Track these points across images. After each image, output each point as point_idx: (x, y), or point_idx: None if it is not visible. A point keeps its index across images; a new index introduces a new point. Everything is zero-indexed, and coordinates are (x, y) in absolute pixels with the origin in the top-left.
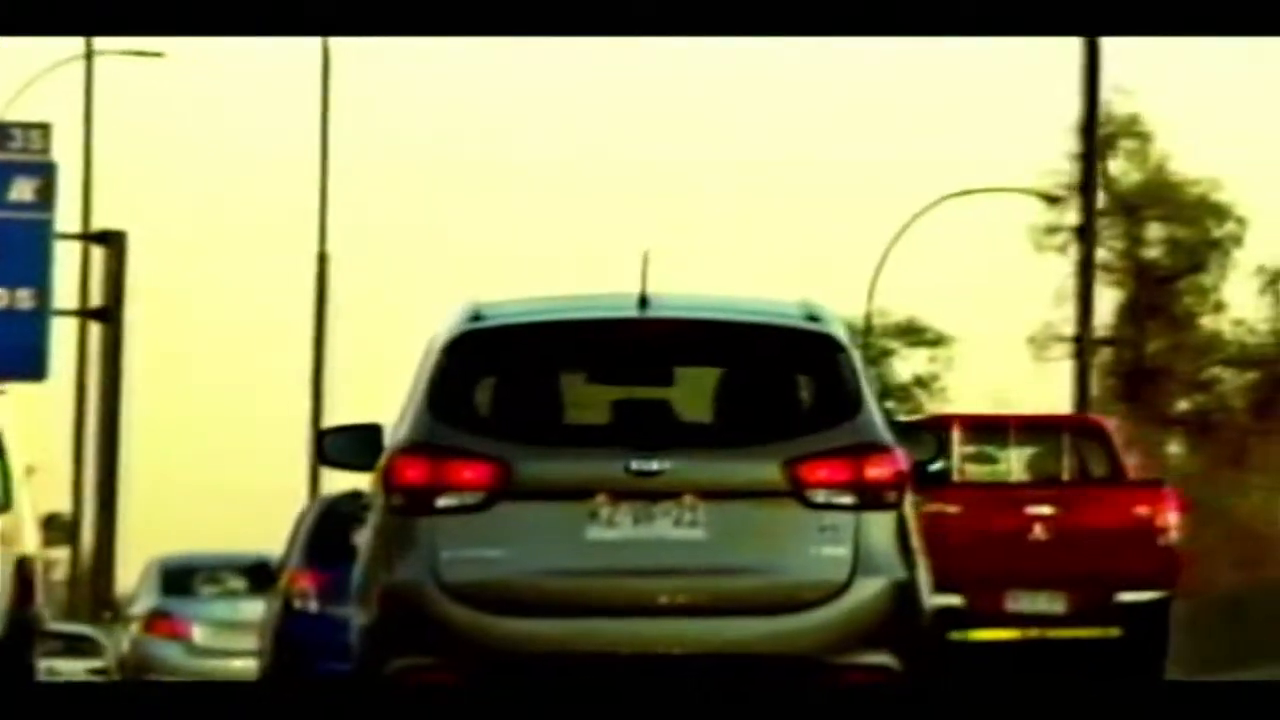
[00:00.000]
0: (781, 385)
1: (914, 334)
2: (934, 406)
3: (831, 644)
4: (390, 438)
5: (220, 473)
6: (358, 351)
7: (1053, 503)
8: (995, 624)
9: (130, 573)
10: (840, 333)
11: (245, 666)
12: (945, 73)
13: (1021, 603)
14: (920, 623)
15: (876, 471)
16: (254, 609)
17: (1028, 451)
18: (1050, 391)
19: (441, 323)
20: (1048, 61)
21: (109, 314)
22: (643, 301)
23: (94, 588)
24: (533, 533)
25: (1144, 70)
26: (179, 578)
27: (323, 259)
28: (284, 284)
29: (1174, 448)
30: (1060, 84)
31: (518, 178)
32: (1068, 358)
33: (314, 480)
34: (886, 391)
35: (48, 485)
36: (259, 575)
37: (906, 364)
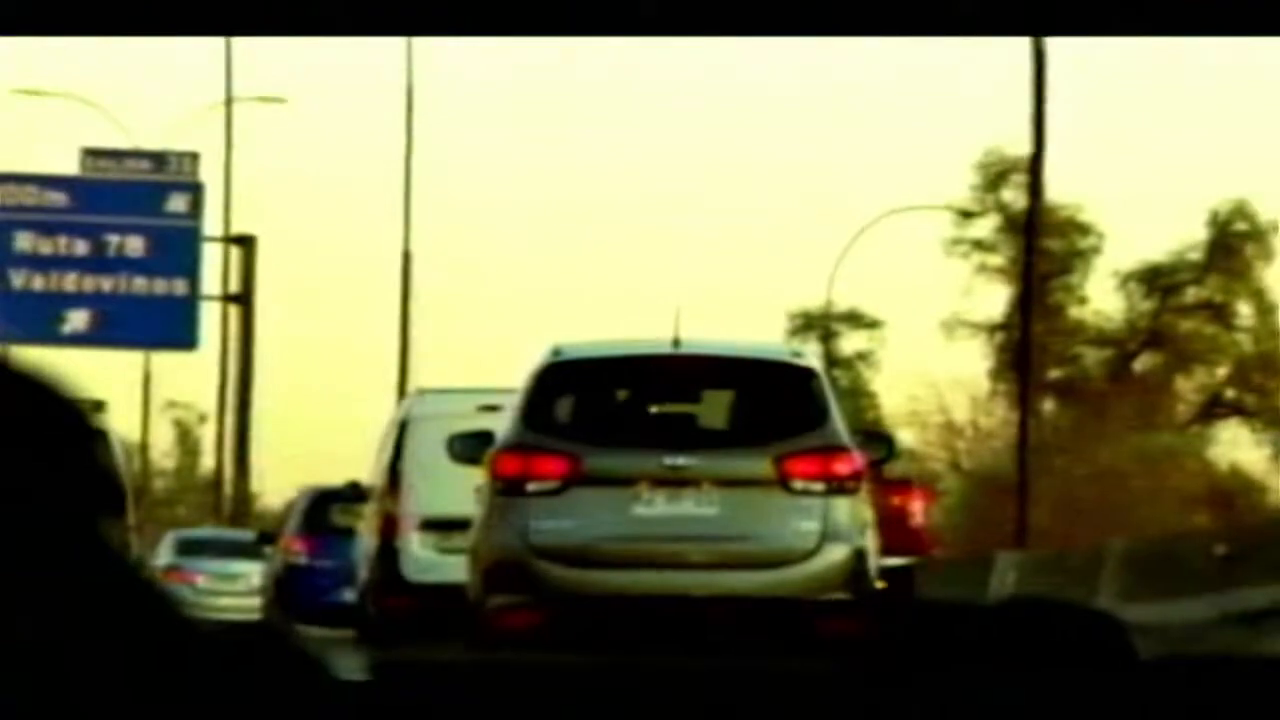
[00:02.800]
0: (773, 403)
1: (855, 319)
2: (869, 375)
3: (807, 589)
4: (498, 440)
5: (327, 423)
6: (437, 322)
7: None
8: None
9: (268, 497)
10: (816, 365)
11: (232, 603)
12: (884, 110)
13: None
14: (869, 576)
15: (840, 467)
16: (239, 568)
17: None
18: (957, 364)
19: (533, 358)
20: (963, 101)
21: (244, 299)
22: (675, 342)
23: (234, 506)
24: (595, 509)
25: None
26: (188, 546)
27: (407, 256)
28: (377, 276)
29: (1048, 405)
30: (973, 118)
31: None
32: (971, 338)
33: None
34: (834, 360)
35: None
36: (250, 546)
37: (849, 342)
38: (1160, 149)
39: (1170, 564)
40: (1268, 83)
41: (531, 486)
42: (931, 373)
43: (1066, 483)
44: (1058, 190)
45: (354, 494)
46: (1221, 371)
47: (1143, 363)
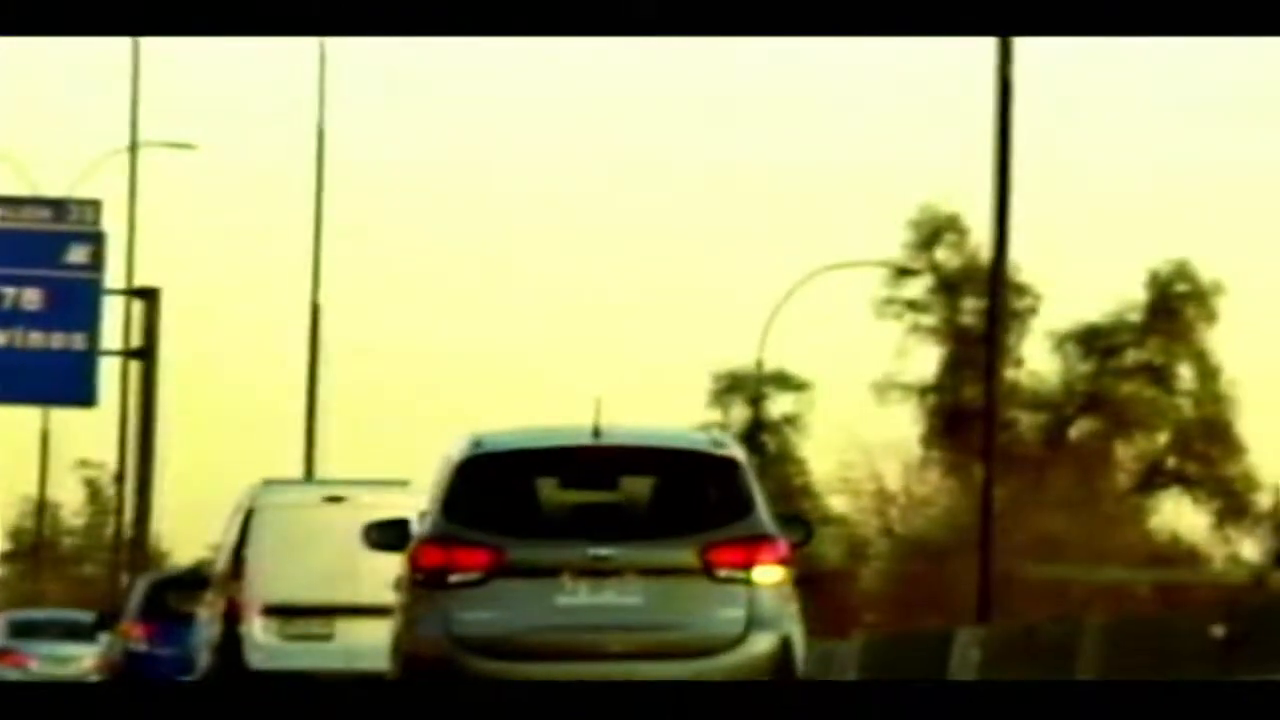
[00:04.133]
0: (696, 492)
1: (783, 381)
2: (798, 440)
3: (734, 678)
4: (417, 531)
5: (236, 481)
6: (346, 377)
7: None
8: None
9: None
10: (739, 454)
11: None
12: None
13: None
14: (796, 664)
15: (764, 556)
16: (74, 650)
17: None
18: (889, 428)
19: (451, 446)
20: (893, 158)
21: (146, 354)
22: (595, 432)
23: (133, 566)
24: (519, 600)
25: (963, 173)
26: (21, 628)
27: (316, 309)
28: (284, 330)
29: (981, 474)
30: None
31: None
32: (903, 401)
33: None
34: (761, 424)
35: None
36: (86, 628)
37: (777, 405)
38: (1099, 208)
39: (1158, 644)
40: (1206, 146)
41: (454, 578)
42: (862, 437)
43: (1003, 553)
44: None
45: (195, 579)
46: (1162, 438)
47: (1080, 428)
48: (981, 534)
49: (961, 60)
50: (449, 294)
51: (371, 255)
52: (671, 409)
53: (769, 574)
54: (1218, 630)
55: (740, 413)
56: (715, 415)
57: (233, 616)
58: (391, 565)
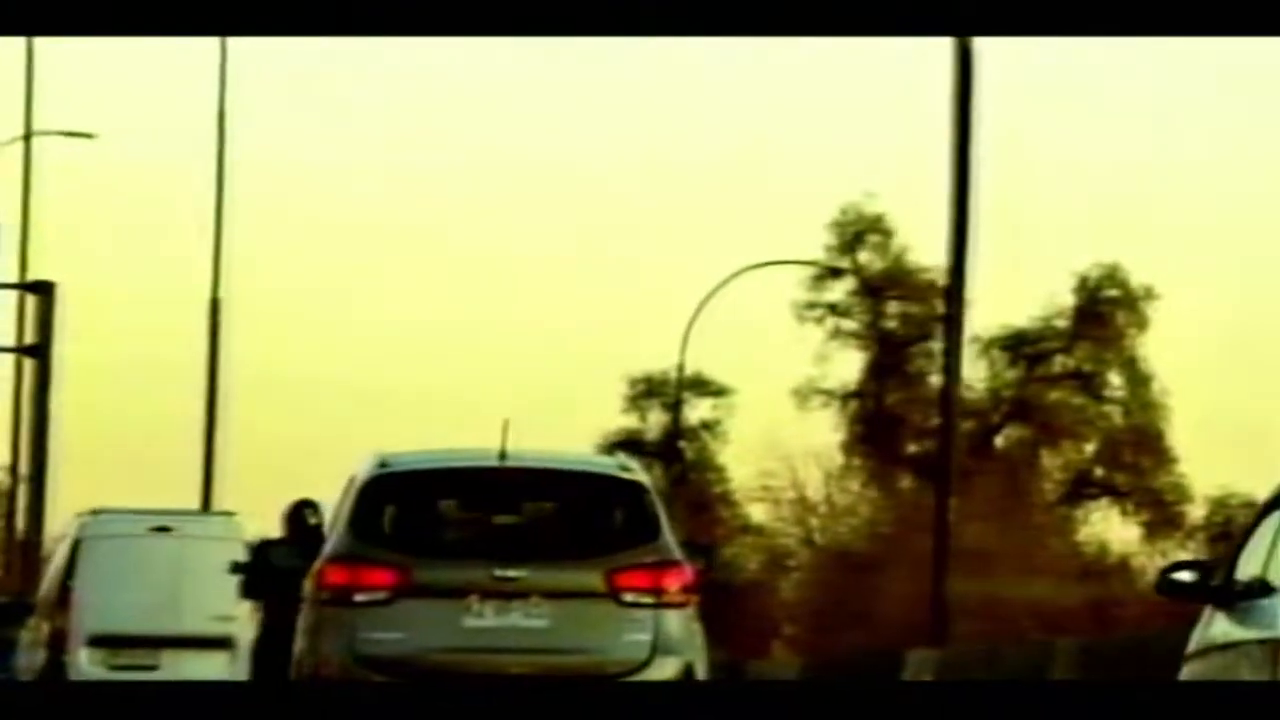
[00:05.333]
0: (602, 516)
1: (701, 386)
2: (716, 447)
3: None
4: (324, 549)
5: (133, 481)
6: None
7: None
8: None
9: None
10: (644, 479)
11: None
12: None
13: None
14: None
15: (670, 581)
16: None
17: None
18: (811, 435)
19: (357, 467)
20: (820, 154)
21: (40, 350)
22: (502, 455)
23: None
24: (424, 620)
25: (887, 173)
26: None
27: (215, 304)
28: (183, 327)
29: (905, 483)
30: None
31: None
32: (824, 407)
33: (207, 479)
34: (679, 430)
35: None
36: None
37: (695, 411)
38: (1026, 210)
39: (1137, 667)
40: (1137, 148)
41: (359, 597)
42: (783, 444)
43: (927, 566)
44: (918, 253)
45: (18, 609)
46: (1090, 447)
47: (1006, 436)
48: (936, 552)
49: (886, 59)
50: (355, 300)
51: (274, 252)
52: (586, 415)
53: (675, 599)
54: None
55: (657, 418)
56: (631, 421)
57: (58, 645)
58: (217, 596)
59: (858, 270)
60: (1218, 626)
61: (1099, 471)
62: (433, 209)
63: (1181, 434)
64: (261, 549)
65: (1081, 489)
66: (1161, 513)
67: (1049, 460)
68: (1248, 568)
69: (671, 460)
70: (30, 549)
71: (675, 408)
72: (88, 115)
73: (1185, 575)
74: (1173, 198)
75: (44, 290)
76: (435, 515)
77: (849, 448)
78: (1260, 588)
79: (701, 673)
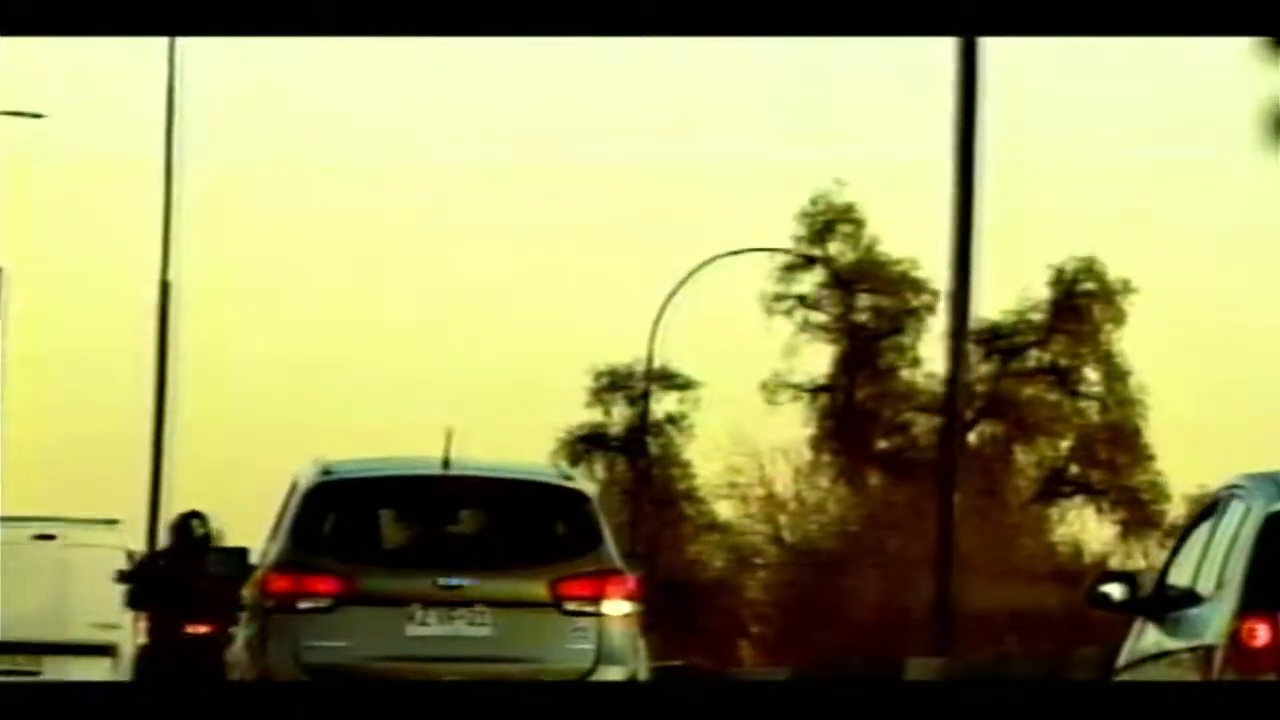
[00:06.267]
0: (545, 525)
1: (666, 379)
2: (682, 442)
3: None
4: (264, 555)
5: (85, 471)
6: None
7: None
8: None
9: None
10: (587, 488)
11: None
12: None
13: None
14: None
15: (613, 589)
16: None
17: None
18: (779, 430)
19: (299, 473)
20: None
21: None
22: (445, 463)
23: None
24: (367, 628)
25: (860, 163)
26: None
27: (165, 286)
28: (134, 309)
29: (873, 479)
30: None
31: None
32: (792, 402)
33: (154, 500)
34: (644, 427)
35: None
36: None
37: (660, 405)
38: (1000, 201)
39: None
40: (1114, 136)
41: (303, 604)
42: (751, 439)
43: (900, 565)
44: (889, 244)
45: None
46: (1065, 443)
47: (979, 432)
48: (939, 553)
49: (857, 50)
50: (312, 292)
51: (226, 239)
52: (549, 408)
53: (618, 608)
54: None
55: (622, 412)
56: (595, 415)
57: None
58: (100, 603)
59: (828, 260)
60: (1149, 638)
61: (1074, 469)
62: (396, 195)
63: (1159, 431)
64: (150, 559)
65: (1056, 487)
66: (1139, 512)
67: (1023, 457)
68: (1177, 579)
69: (636, 455)
70: None
71: (644, 399)
72: (35, 95)
73: (1114, 588)
74: (1151, 190)
75: None
76: (379, 523)
77: (818, 443)
78: (1189, 598)
79: (644, 677)
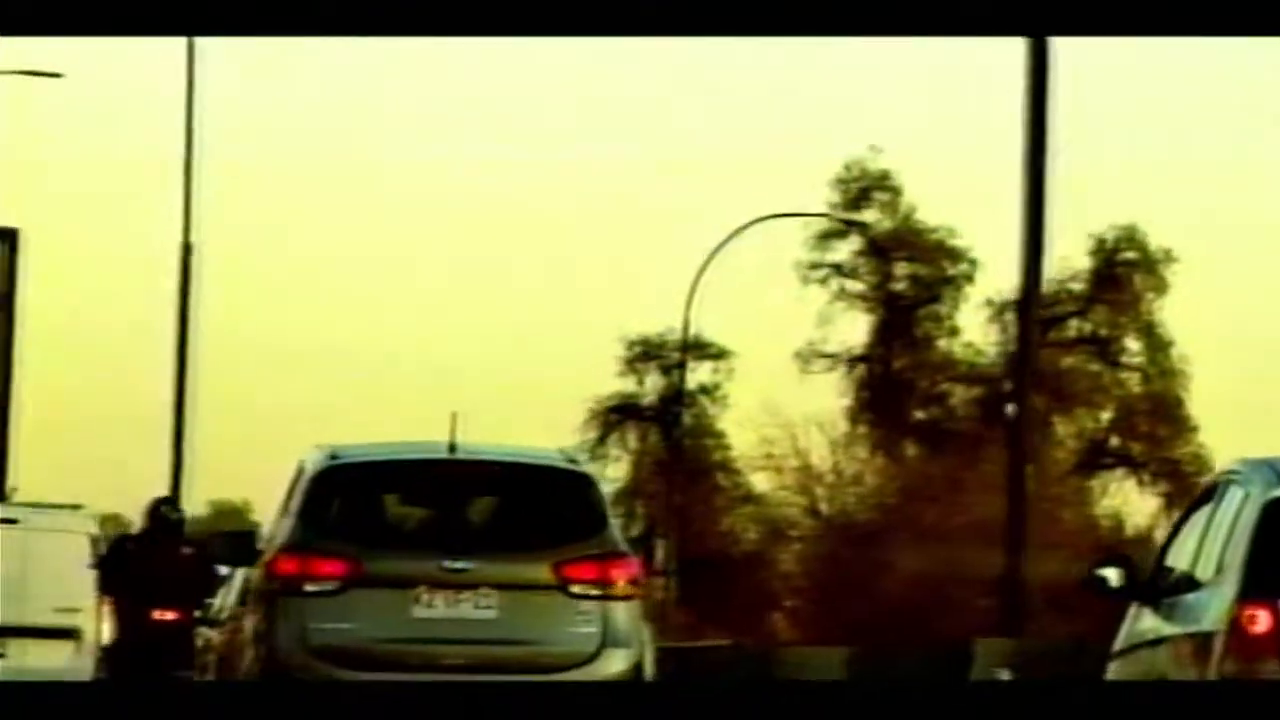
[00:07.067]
0: (550, 508)
1: (699, 348)
2: (716, 412)
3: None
4: (271, 539)
5: (92, 440)
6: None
7: None
8: None
9: None
10: (591, 472)
11: None
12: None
13: None
14: (644, 678)
15: (618, 573)
16: None
17: None
18: (814, 401)
19: (306, 457)
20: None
21: (4, 301)
22: (451, 448)
23: None
24: (374, 611)
25: (896, 129)
26: None
27: (187, 249)
28: (154, 273)
29: (910, 451)
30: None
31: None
32: (828, 372)
33: (176, 455)
34: (678, 397)
35: None
36: None
37: (694, 375)
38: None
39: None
40: (1156, 104)
41: (310, 587)
42: (785, 409)
43: (939, 537)
44: (926, 212)
45: None
46: (1106, 415)
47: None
48: (1010, 528)
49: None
50: (345, 254)
51: (250, 198)
52: (581, 379)
53: (623, 591)
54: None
55: (654, 382)
56: (628, 385)
57: None
58: (63, 588)
59: (864, 227)
60: (1145, 622)
61: (1115, 440)
62: (426, 159)
63: (1201, 402)
64: (118, 544)
65: (1096, 459)
66: (1181, 484)
67: (1062, 428)
68: (1175, 564)
69: (669, 426)
70: None
71: (680, 369)
72: (52, 54)
73: (1111, 572)
74: (1193, 158)
75: (8, 237)
76: (385, 507)
77: (854, 414)
78: (1188, 583)
79: (649, 665)
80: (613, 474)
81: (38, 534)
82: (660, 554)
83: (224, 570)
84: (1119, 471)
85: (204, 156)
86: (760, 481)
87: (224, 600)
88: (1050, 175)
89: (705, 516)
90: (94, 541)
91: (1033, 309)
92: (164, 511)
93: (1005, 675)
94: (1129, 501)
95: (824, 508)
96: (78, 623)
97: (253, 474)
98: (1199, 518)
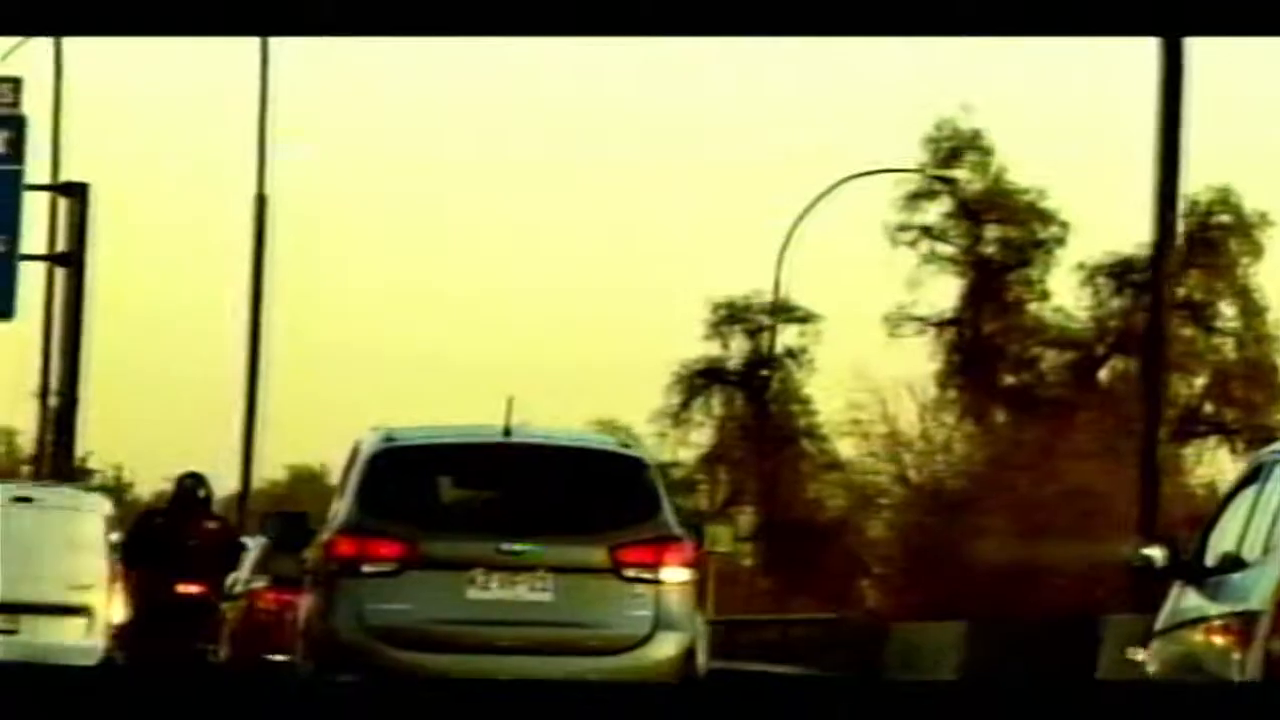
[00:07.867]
0: (604, 492)
1: (785, 311)
2: (802, 377)
3: (640, 676)
4: (329, 520)
5: (164, 402)
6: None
7: None
8: None
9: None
10: (645, 456)
11: None
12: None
13: None
14: (698, 666)
15: (672, 556)
16: None
17: None
18: (902, 365)
19: (363, 439)
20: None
21: (73, 259)
22: (506, 431)
23: None
24: (430, 592)
25: (989, 89)
26: None
27: (261, 200)
28: (226, 226)
29: (1000, 417)
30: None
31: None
32: (917, 335)
33: (250, 404)
34: (764, 361)
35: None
36: None
37: (780, 338)
38: (1133, 131)
39: None
40: (1248, 68)
41: (367, 568)
42: (873, 374)
43: (1032, 506)
44: (1017, 173)
45: None
46: (1200, 381)
47: (1111, 368)
48: (1142, 504)
49: None
50: (426, 208)
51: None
52: (668, 341)
53: (676, 575)
54: None
55: (740, 346)
56: (714, 348)
57: None
58: (76, 565)
59: (955, 184)
60: (1188, 601)
61: (1208, 408)
62: (506, 116)
63: None
64: (145, 518)
65: (1190, 426)
66: None
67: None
68: (1220, 544)
69: (755, 390)
70: (60, 474)
71: (771, 331)
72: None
73: (1156, 551)
74: None
75: (77, 193)
76: (441, 489)
77: (943, 379)
78: (1233, 563)
79: (701, 649)
80: (697, 439)
81: (52, 512)
82: (712, 535)
83: (249, 544)
84: (1212, 440)
85: (277, 109)
86: (847, 448)
87: (238, 574)
88: (1184, 145)
89: (791, 483)
90: (108, 520)
91: (1164, 283)
92: (189, 485)
93: (1140, 655)
94: (1223, 470)
95: (912, 475)
96: (90, 601)
97: (331, 437)
98: (1244, 498)
